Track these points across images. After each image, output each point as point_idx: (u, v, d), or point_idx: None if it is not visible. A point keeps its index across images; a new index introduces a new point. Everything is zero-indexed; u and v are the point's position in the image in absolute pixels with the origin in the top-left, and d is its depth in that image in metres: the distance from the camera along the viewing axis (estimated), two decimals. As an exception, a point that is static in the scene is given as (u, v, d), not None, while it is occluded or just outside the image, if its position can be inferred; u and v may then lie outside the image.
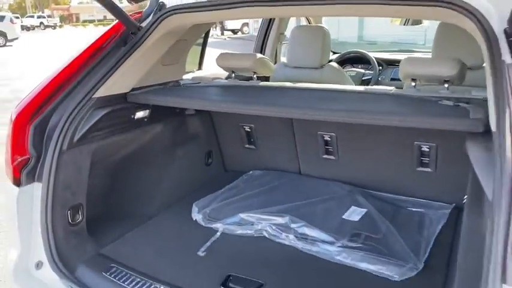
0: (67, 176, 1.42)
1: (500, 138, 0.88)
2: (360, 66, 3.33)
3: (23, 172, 1.39)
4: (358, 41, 15.97)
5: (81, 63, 1.52)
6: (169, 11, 1.55)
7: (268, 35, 3.00)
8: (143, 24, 1.62)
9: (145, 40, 1.57)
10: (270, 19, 3.01)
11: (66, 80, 1.49)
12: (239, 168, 2.17)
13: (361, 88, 1.79)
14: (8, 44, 22.53)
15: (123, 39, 1.60)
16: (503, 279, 0.80)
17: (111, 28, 1.63)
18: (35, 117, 1.42)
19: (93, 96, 1.48)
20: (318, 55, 2.32)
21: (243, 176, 2.07)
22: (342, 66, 3.41)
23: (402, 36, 7.90)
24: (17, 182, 1.39)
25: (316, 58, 2.32)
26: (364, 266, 1.33)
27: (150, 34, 1.57)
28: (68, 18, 59.21)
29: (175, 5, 1.56)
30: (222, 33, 21.98)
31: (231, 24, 22.11)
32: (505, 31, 1.08)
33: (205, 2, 1.50)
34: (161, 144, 1.82)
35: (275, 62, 3.10)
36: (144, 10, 1.73)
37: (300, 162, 2.05)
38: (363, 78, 3.22)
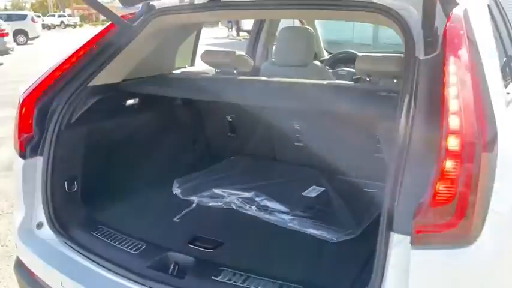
0: (64, 152, 1.69)
1: (397, 122, 1.11)
2: (351, 66, 3.57)
3: (27, 147, 1.66)
4: (372, 42, 16.12)
5: (80, 56, 1.79)
6: (156, 13, 1.81)
7: (260, 36, 3.26)
8: (135, 24, 1.88)
9: (135, 37, 1.83)
10: (261, 21, 3.26)
11: (66, 70, 1.76)
12: (222, 154, 2.42)
13: (324, 82, 2.02)
14: (28, 42, 23.18)
15: (116, 36, 1.87)
16: (390, 227, 1.03)
17: (106, 27, 1.89)
18: (39, 101, 1.69)
19: (88, 85, 1.74)
20: (302, 54, 2.56)
21: (224, 160, 2.33)
22: (334, 66, 3.63)
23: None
24: (23, 155, 1.66)
25: (301, 57, 2.56)
26: (309, 231, 1.57)
27: (140, 32, 1.83)
28: (88, 18, 60.28)
29: (161, 8, 1.82)
30: (238, 34, 22.26)
31: (247, 25, 22.41)
32: (423, 33, 1.30)
33: (187, 5, 1.75)
34: (149, 130, 2.08)
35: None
36: (136, 12, 2.00)
37: (275, 149, 2.29)
38: (353, 77, 3.45)
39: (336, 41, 6.32)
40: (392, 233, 1.02)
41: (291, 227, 1.61)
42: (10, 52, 15.58)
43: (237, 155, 2.39)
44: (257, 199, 1.77)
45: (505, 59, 1.83)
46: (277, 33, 3.52)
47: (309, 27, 2.92)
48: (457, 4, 1.29)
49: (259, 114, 2.22)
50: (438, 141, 0.99)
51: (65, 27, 41.08)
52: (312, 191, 1.88)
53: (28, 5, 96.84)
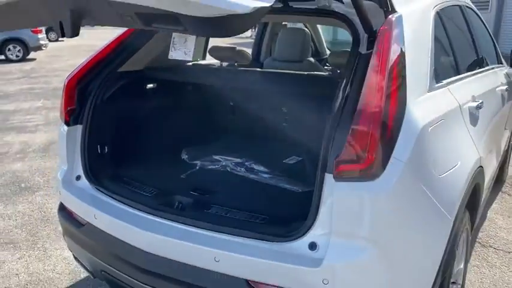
0: (98, 123, 2.17)
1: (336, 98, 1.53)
2: None
3: (70, 117, 2.15)
4: None
5: (111, 48, 2.28)
6: None
7: (264, 36, 3.72)
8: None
9: (155, 34, 2.31)
10: (265, 23, 3.72)
11: (100, 59, 2.25)
12: (224, 131, 2.88)
13: (304, 73, 2.44)
14: (60, 39, 24.07)
15: (139, 33, 2.35)
16: (324, 170, 1.46)
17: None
18: (80, 83, 2.18)
19: (117, 71, 2.23)
20: (298, 51, 3.00)
21: (224, 135, 2.80)
22: None
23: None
24: (67, 123, 2.15)
25: (297, 54, 3.00)
26: (282, 185, 2.02)
27: (157, 32, 2.31)
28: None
29: None
30: (259, 34, 22.72)
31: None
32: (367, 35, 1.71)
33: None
34: (165, 109, 2.55)
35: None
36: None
37: (267, 128, 2.73)
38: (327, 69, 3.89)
39: (344, 41, 6.75)
40: (325, 174, 1.45)
41: (268, 182, 2.07)
42: (43, 48, 16.35)
43: (235, 132, 2.85)
44: (246, 163, 2.23)
45: (452, 58, 2.23)
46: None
47: (306, 29, 3.37)
48: (395, 12, 1.70)
49: (254, 100, 2.68)
50: (357, 110, 1.42)
51: (93, 26, 42.18)
52: (292, 160, 2.33)
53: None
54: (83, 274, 2.80)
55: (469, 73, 2.35)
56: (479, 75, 2.53)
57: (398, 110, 1.45)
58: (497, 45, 3.53)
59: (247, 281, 1.52)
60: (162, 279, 1.65)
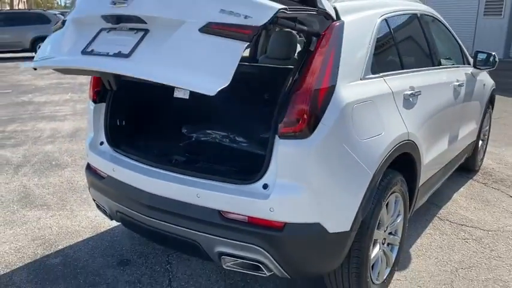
0: (117, 101, 2.80)
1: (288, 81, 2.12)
2: None
3: (97, 97, 2.79)
4: None
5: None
6: None
7: (260, 37, 4.30)
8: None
9: None
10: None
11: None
12: (217, 112, 3.48)
13: (279, 66, 3.00)
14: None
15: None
16: (276, 133, 2.05)
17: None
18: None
19: None
20: (286, 50, 3.58)
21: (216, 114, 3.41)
22: None
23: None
24: (94, 101, 2.78)
25: (285, 52, 3.58)
26: (254, 150, 2.62)
27: None
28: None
29: None
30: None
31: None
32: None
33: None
34: (169, 93, 3.17)
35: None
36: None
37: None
38: None
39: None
40: (275, 136, 2.03)
41: (245, 149, 2.67)
42: (71, 46, 17.19)
43: (227, 112, 3.39)
44: (231, 136, 2.84)
45: (397, 56, 2.78)
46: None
47: (294, 32, 3.94)
48: (339, 20, 2.27)
49: (245, 88, 3.27)
50: (297, 90, 2.01)
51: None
52: (266, 134, 2.91)
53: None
54: (102, 229, 3.45)
55: (413, 69, 2.89)
56: (426, 71, 3.06)
57: (328, 91, 2.03)
58: (463, 48, 4.04)
59: (219, 211, 2.12)
60: (160, 212, 2.27)
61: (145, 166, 2.41)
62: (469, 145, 4.23)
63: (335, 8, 2.27)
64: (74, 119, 7.06)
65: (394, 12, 2.84)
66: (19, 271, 2.88)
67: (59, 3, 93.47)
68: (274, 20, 1.76)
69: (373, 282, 2.46)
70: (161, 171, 2.33)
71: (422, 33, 3.23)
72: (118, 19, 2.09)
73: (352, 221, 2.14)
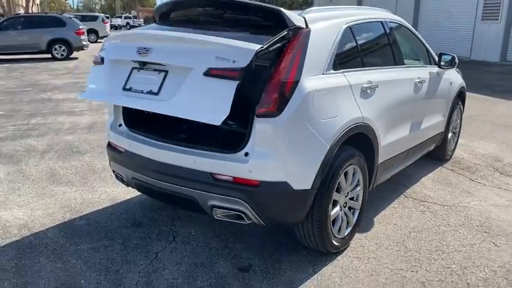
0: None
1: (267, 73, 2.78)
2: None
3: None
4: None
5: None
6: None
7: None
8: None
9: None
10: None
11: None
12: None
13: None
14: (99, 40, 25.95)
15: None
16: (254, 113, 2.71)
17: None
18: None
19: None
20: None
21: None
22: None
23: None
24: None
25: None
26: (241, 130, 3.28)
27: None
28: (151, 19, 63.59)
29: None
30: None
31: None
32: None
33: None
34: None
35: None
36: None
37: None
38: None
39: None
40: (254, 116, 2.69)
41: (234, 129, 3.32)
42: (85, 48, 18.04)
43: None
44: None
45: (359, 56, 3.42)
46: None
47: None
48: (307, 28, 2.93)
49: None
50: (269, 81, 2.66)
51: (129, 28, 44.38)
52: None
53: (98, 6, 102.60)
54: (118, 200, 4.12)
55: (373, 67, 3.53)
56: (385, 69, 3.69)
57: (294, 83, 2.68)
58: (430, 51, 4.66)
59: (211, 173, 2.78)
60: (166, 176, 2.93)
61: (154, 141, 3.07)
62: (436, 135, 4.84)
63: (304, 18, 2.93)
64: (91, 114, 7.78)
65: (358, 20, 3.49)
66: (52, 229, 3.56)
67: (71, 6, 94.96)
68: (255, 57, 2.48)
69: (334, 236, 3.10)
70: (166, 144, 3.00)
71: (386, 38, 3.87)
72: (144, 63, 2.88)
73: (312, 181, 2.79)
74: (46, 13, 23.08)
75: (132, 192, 4.19)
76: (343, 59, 3.21)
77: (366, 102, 3.25)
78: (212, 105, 2.56)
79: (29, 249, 3.25)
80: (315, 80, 2.84)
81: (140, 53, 2.84)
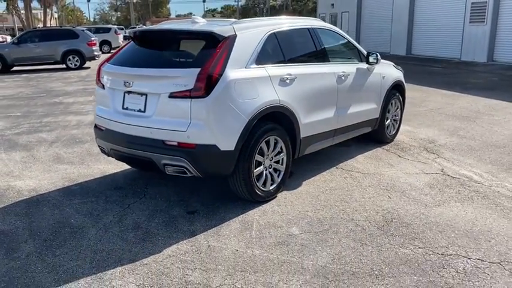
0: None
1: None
2: None
3: (100, 84, 4.59)
4: (406, 54, 19.21)
5: (121, 48, 4.72)
6: None
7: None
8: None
9: None
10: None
11: (114, 55, 4.68)
12: None
13: None
14: (112, 51, 27.44)
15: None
16: (190, 96, 3.81)
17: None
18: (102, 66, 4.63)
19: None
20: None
21: None
22: None
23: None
24: (100, 87, 4.58)
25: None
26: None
27: None
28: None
29: None
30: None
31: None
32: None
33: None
34: None
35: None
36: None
37: None
38: None
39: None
40: (190, 98, 3.77)
41: None
42: (96, 58, 19.41)
43: None
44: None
45: (281, 55, 4.48)
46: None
47: None
48: (235, 34, 4.01)
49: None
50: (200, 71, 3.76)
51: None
52: None
53: (114, 18, 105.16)
54: (107, 173, 5.24)
55: (295, 63, 4.58)
56: (306, 65, 4.74)
57: (219, 73, 3.76)
58: (360, 50, 5.69)
59: (163, 140, 3.87)
60: (132, 144, 4.04)
61: (123, 121, 4.18)
62: (370, 120, 5.85)
63: (233, 28, 4.03)
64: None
65: (284, 28, 4.58)
66: (53, 192, 4.70)
67: (88, 18, 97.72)
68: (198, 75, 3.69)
69: (259, 188, 4.16)
70: (132, 122, 4.10)
71: (312, 41, 4.93)
72: (130, 91, 4.06)
73: (235, 145, 3.86)
74: (60, 26, 24.63)
75: (119, 168, 5.31)
76: (266, 57, 4.28)
77: (284, 89, 4.31)
78: (177, 120, 3.78)
79: (35, 203, 4.39)
80: (237, 72, 3.92)
81: (125, 85, 4.07)
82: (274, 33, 4.43)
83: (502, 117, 8.05)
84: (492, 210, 4.04)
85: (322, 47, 5.06)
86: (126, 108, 4.13)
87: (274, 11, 70.28)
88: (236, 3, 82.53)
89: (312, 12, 45.75)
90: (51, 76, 16.67)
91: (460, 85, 12.13)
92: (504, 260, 3.20)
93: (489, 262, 3.17)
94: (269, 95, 4.14)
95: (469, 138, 6.60)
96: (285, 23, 4.74)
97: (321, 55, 5.01)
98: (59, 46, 18.23)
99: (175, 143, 3.83)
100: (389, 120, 6.33)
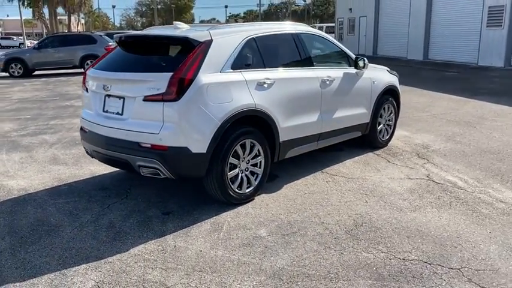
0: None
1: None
2: None
3: (86, 88, 4.74)
4: (423, 59, 19.01)
5: (109, 51, 4.87)
6: None
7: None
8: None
9: None
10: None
11: (99, 60, 4.83)
12: None
13: None
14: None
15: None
16: (163, 99, 3.91)
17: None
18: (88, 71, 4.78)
19: None
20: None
21: None
22: None
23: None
24: (86, 90, 4.73)
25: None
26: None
27: None
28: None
29: None
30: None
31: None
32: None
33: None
34: None
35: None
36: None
37: None
38: None
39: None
40: (163, 101, 3.88)
41: None
42: (113, 63, 19.75)
43: None
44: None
45: (260, 60, 4.54)
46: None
47: None
48: (211, 39, 4.10)
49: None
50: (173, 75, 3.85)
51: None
52: None
53: (139, 24, 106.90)
54: (96, 175, 5.39)
55: (274, 68, 4.63)
56: (286, 69, 4.78)
57: (191, 77, 3.85)
58: (349, 55, 5.69)
59: (138, 143, 3.98)
60: (111, 146, 4.16)
61: (103, 124, 4.31)
62: (360, 125, 5.85)
63: (209, 33, 4.12)
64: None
65: (264, 33, 4.64)
66: (41, 192, 4.86)
67: (114, 24, 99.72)
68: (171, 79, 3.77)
69: (234, 191, 4.22)
70: (110, 125, 4.23)
71: (295, 46, 4.98)
72: (110, 94, 4.19)
73: (207, 147, 3.94)
74: (79, 32, 25.25)
75: (109, 169, 5.46)
76: (244, 61, 4.35)
77: (261, 93, 4.37)
78: (153, 123, 3.89)
79: (22, 202, 4.56)
80: (211, 76, 4.00)
81: (105, 89, 4.21)
82: (253, 38, 4.49)
83: (504, 123, 7.90)
84: (467, 217, 4.00)
85: (306, 52, 5.09)
86: (106, 111, 4.26)
87: (295, 16, 70.31)
88: (258, 8, 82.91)
89: (333, 17, 45.61)
90: (69, 80, 17.11)
91: (470, 90, 11.92)
92: (465, 266, 3.17)
93: (449, 268, 3.15)
94: (244, 99, 4.21)
95: (464, 144, 6.51)
96: (266, 28, 4.80)
97: (304, 60, 5.05)
98: (78, 51, 18.71)
99: (149, 145, 3.93)
100: (381, 125, 6.31)
